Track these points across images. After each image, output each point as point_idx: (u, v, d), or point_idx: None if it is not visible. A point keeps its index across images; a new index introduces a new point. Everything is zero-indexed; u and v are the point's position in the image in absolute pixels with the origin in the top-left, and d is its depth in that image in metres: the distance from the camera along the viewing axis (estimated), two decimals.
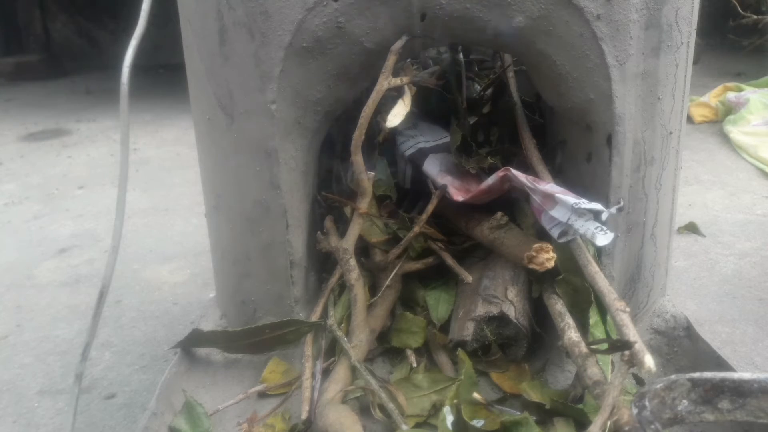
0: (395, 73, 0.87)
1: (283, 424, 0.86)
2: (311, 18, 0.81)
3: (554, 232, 0.86)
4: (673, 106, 0.91)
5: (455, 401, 0.85)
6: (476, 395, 0.87)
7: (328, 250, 0.99)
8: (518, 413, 0.84)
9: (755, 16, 3.45)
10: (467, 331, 0.94)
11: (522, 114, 1.06)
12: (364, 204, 0.95)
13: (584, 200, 0.82)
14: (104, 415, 1.10)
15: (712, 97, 2.82)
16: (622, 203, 0.90)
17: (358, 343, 0.90)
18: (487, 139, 1.13)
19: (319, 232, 1.01)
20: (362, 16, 0.81)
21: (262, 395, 0.93)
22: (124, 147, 0.89)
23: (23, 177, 2.48)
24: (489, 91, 1.19)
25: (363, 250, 1.04)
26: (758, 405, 0.65)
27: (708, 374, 0.67)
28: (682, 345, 0.99)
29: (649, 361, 0.67)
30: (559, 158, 1.02)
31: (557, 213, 0.84)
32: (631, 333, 0.72)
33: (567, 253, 0.86)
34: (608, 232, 0.80)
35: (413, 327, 0.99)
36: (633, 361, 0.68)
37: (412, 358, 0.96)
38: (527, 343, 0.95)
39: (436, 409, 0.86)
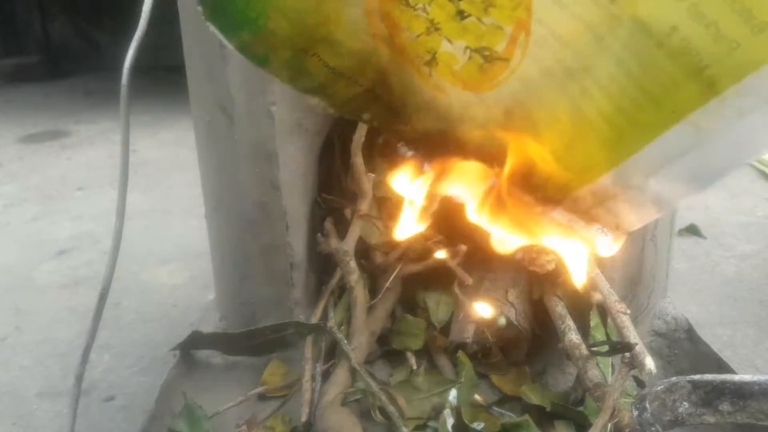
0: None
1: (283, 426, 0.86)
2: None
3: None
4: None
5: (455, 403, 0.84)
6: (477, 397, 0.87)
7: (328, 252, 0.99)
8: (518, 416, 0.84)
9: None
10: (467, 333, 0.94)
11: None
12: (365, 206, 0.95)
13: None
14: (103, 418, 1.10)
15: None
16: None
17: (358, 345, 0.90)
18: None
19: (319, 234, 1.01)
20: None
21: (262, 397, 0.93)
22: (125, 148, 0.89)
23: (22, 178, 2.48)
24: None
25: (363, 252, 1.04)
26: (759, 407, 0.65)
27: (709, 376, 0.67)
28: (683, 347, 0.98)
29: (649, 363, 0.67)
30: None
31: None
32: (632, 335, 0.72)
33: None
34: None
35: (413, 329, 0.99)
36: (633, 363, 0.68)
37: (413, 360, 0.96)
38: (527, 346, 0.95)
39: (437, 411, 0.86)
